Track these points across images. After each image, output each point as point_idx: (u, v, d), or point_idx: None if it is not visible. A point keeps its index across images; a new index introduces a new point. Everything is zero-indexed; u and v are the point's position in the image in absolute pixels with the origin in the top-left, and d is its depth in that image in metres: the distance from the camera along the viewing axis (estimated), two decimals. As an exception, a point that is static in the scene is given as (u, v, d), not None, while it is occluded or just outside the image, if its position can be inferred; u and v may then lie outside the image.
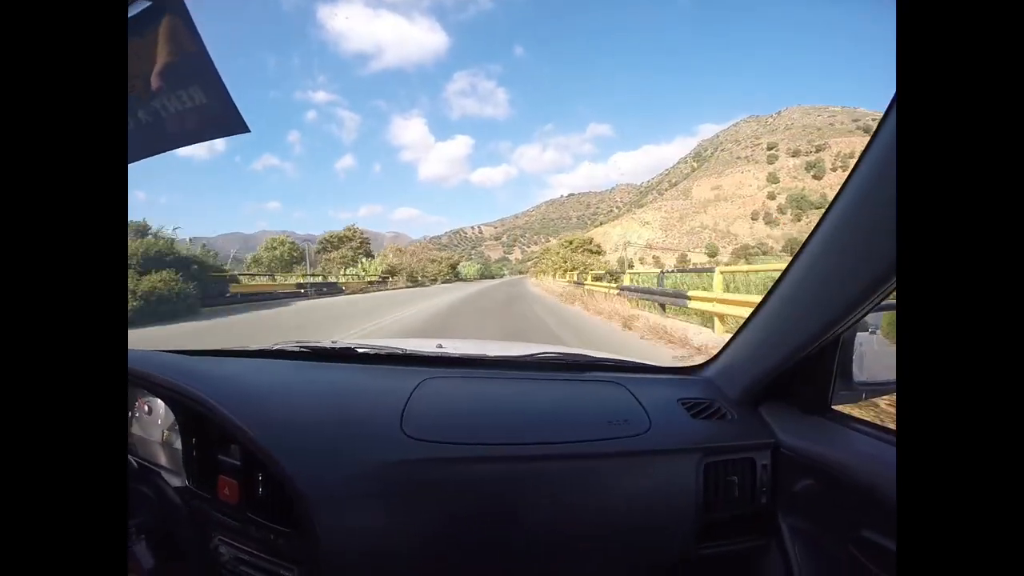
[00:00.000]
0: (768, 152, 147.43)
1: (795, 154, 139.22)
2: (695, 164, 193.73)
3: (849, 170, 0.62)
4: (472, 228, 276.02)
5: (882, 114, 0.56)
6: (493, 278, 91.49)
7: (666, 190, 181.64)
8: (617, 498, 0.79)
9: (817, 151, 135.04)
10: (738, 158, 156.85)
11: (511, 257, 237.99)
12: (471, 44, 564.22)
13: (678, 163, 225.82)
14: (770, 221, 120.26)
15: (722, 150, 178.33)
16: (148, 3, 0.71)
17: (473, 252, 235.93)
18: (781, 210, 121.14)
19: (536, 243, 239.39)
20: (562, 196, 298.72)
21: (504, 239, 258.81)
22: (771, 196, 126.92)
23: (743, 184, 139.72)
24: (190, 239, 20.78)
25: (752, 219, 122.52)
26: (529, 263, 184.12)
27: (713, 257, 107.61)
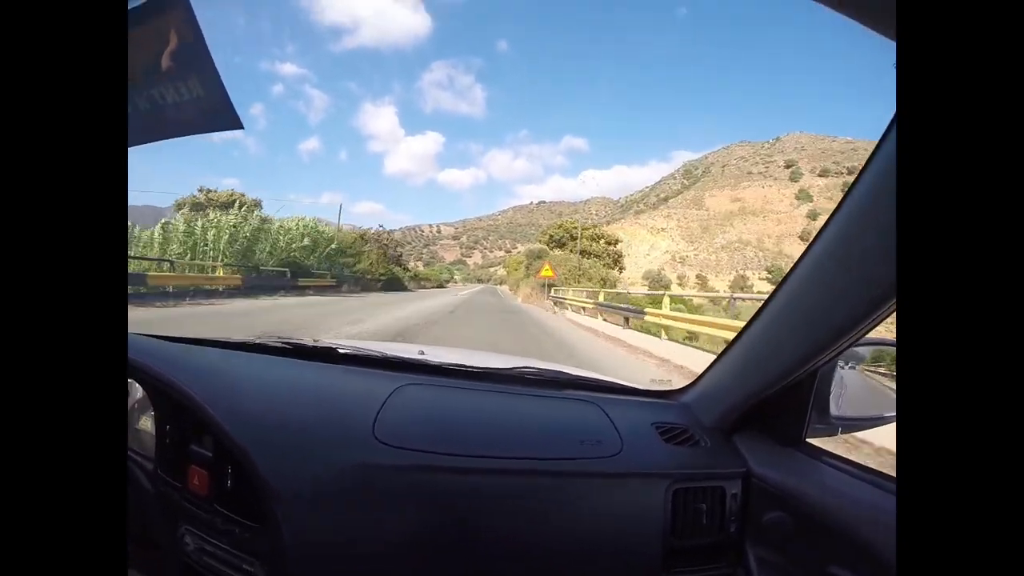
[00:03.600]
0: (788, 170, 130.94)
1: (823, 174, 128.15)
2: (685, 181, 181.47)
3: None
4: (430, 227, 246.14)
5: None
6: (442, 286, 65.08)
7: (655, 205, 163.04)
8: (584, 518, 0.80)
9: (849, 173, 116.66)
10: (749, 173, 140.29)
11: (469, 261, 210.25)
12: (454, 31, 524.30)
13: (664, 179, 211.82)
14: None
15: (715, 169, 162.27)
16: None
17: (425, 251, 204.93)
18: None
19: (500, 248, 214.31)
20: (532, 203, 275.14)
21: (464, 239, 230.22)
22: (812, 215, 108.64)
23: (769, 199, 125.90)
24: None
25: (802, 239, 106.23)
26: (493, 269, 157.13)
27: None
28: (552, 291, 22.84)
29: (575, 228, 49.69)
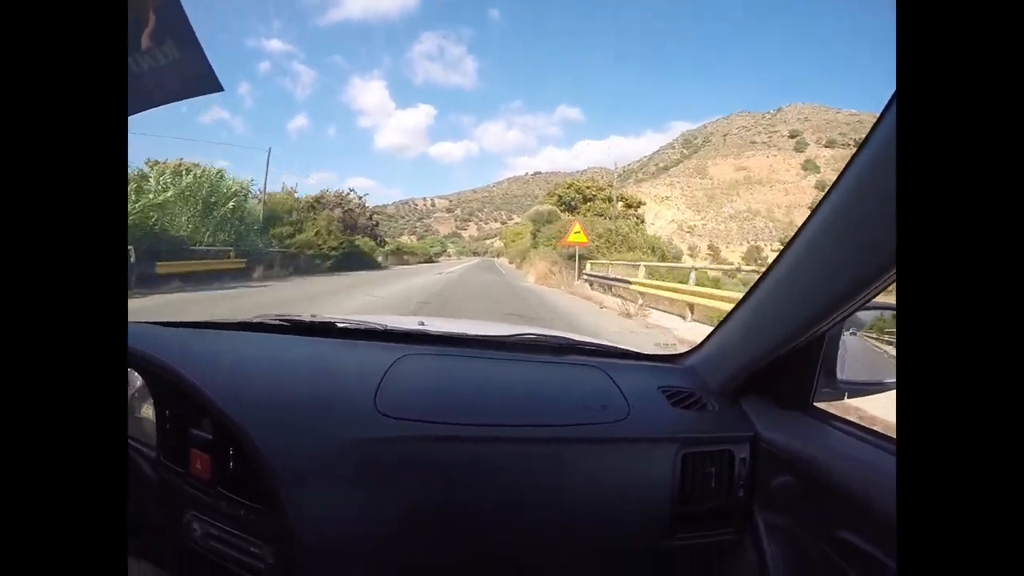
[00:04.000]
0: (793, 140, 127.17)
1: (829, 144, 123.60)
2: (685, 151, 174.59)
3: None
4: (424, 200, 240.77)
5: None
6: (431, 261, 55.27)
7: (655, 174, 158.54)
8: (592, 484, 0.80)
9: (855, 145, 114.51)
10: (752, 142, 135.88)
11: (464, 234, 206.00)
12: (443, 1, 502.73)
13: (662, 148, 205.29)
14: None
15: (716, 138, 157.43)
16: None
17: (419, 225, 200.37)
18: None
19: (496, 219, 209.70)
20: (527, 174, 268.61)
21: (458, 212, 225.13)
22: (820, 187, 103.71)
23: (775, 169, 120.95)
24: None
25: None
26: (490, 241, 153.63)
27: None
28: (588, 265, 15.98)
29: (589, 188, 40.36)
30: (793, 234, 0.74)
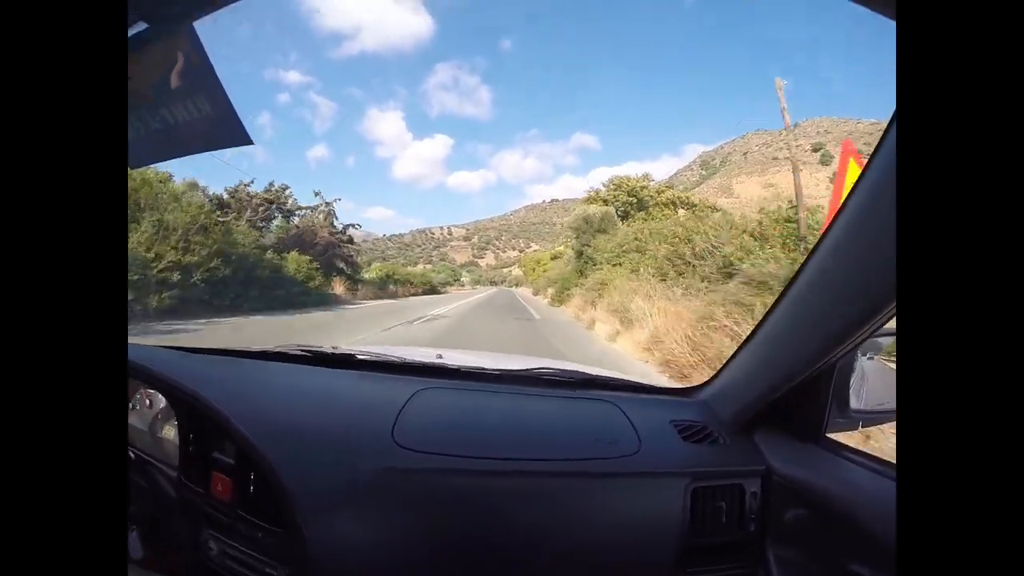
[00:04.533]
0: (817, 153, 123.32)
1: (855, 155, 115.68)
2: (703, 172, 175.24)
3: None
4: (440, 229, 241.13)
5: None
6: (434, 291, 43.69)
7: (678, 197, 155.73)
8: (602, 518, 0.81)
9: None
10: (774, 159, 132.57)
11: (482, 262, 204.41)
12: (456, 31, 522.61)
13: (679, 171, 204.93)
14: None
15: (735, 157, 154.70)
16: (155, 20, 0.74)
17: (435, 253, 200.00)
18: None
19: (514, 248, 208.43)
20: (544, 201, 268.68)
21: (475, 240, 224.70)
22: None
23: (804, 183, 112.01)
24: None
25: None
26: (508, 270, 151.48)
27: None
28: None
29: (644, 188, 26.50)
30: (801, 263, 0.73)
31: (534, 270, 63.17)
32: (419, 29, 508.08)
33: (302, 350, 1.17)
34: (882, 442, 2.30)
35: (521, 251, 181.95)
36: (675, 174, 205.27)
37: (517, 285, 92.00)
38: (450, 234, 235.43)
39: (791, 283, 0.75)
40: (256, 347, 1.22)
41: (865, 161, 0.57)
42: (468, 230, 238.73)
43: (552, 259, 52.65)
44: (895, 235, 0.46)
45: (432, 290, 42.72)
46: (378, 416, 0.85)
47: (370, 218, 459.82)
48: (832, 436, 0.86)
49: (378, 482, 0.76)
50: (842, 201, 0.62)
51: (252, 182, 22.77)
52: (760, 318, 0.86)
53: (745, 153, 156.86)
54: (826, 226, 0.66)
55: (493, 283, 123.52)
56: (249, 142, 0.83)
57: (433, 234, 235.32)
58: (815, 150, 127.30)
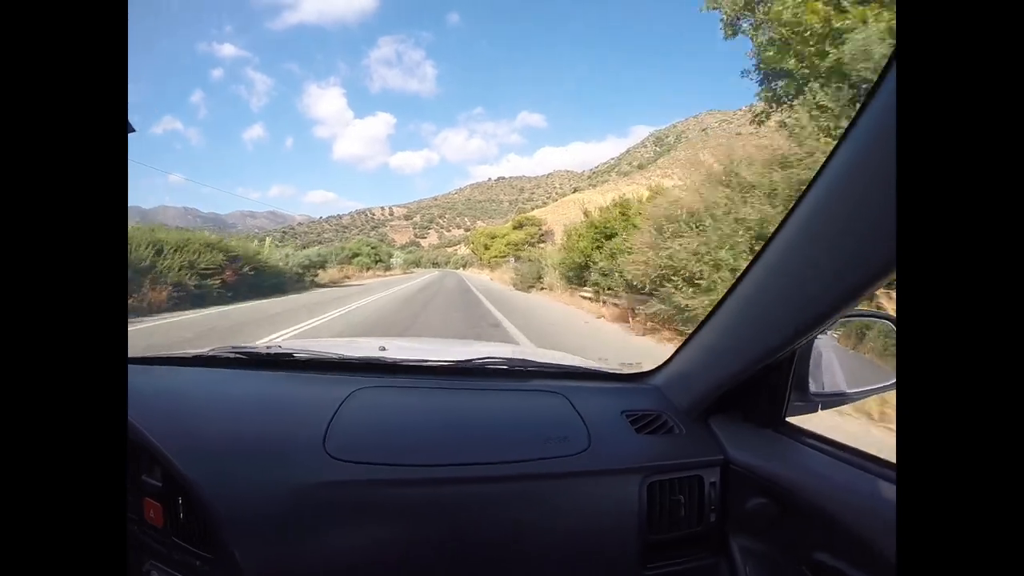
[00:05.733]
0: (785, 129, 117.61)
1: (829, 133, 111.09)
2: (658, 149, 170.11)
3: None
4: (381, 209, 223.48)
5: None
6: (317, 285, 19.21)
7: (627, 173, 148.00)
8: (554, 520, 0.78)
9: None
10: (738, 133, 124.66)
11: (424, 242, 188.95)
12: (402, 3, 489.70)
13: (631, 149, 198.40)
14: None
15: (692, 133, 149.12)
16: None
17: (373, 233, 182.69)
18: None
19: (459, 226, 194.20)
20: (490, 179, 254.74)
21: (417, 219, 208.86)
22: None
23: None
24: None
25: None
26: (452, 250, 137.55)
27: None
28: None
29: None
30: (762, 245, 0.69)
31: (487, 247, 51.11)
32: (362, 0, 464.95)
33: (236, 352, 1.09)
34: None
35: (467, 229, 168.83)
36: (626, 152, 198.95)
37: (464, 266, 78.77)
38: (391, 214, 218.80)
39: (751, 266, 0.72)
40: (190, 351, 1.13)
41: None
42: (409, 209, 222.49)
43: (517, 228, 40.90)
44: (867, 217, 0.45)
45: (280, 285, 16.37)
46: (308, 424, 0.79)
47: (311, 202, 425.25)
48: (792, 420, 0.84)
49: (310, 497, 0.71)
50: (807, 185, 0.59)
51: None
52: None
53: (704, 129, 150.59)
54: (790, 210, 0.63)
55: (435, 264, 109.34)
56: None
57: (373, 215, 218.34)
58: (783, 125, 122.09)
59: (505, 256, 41.02)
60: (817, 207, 0.58)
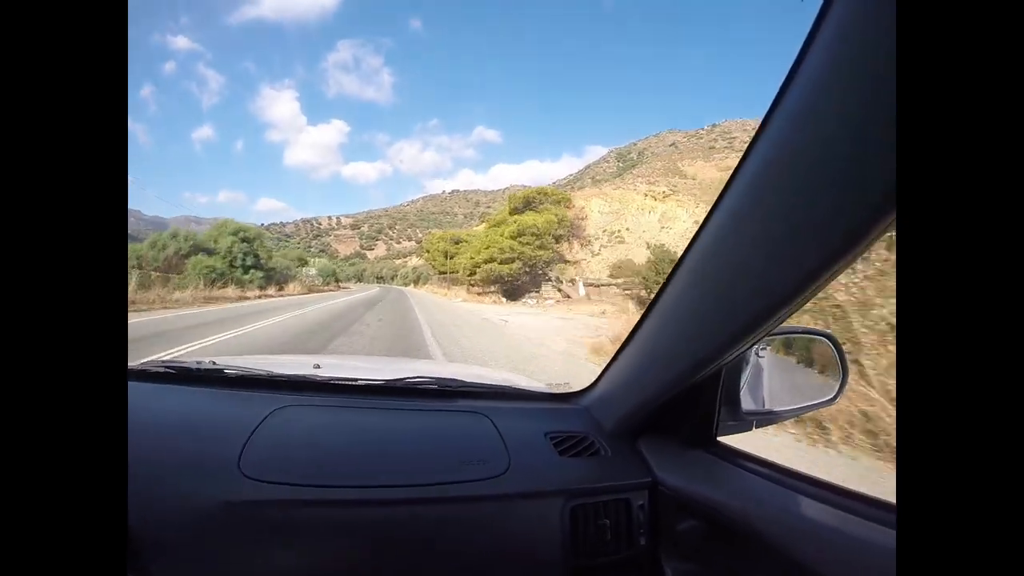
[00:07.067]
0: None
1: None
2: (621, 164, 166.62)
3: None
4: (328, 219, 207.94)
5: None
6: None
7: (588, 186, 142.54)
8: (473, 545, 0.76)
9: None
10: (711, 148, 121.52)
11: (371, 254, 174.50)
12: (365, 5, 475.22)
13: (591, 165, 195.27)
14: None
15: (657, 148, 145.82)
16: None
17: (314, 242, 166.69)
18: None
19: (410, 238, 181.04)
20: (444, 192, 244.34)
21: (365, 230, 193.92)
22: None
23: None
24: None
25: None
26: (401, 261, 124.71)
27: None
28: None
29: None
30: (682, 252, 0.64)
31: (447, 255, 39.29)
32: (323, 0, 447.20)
33: (166, 367, 1.06)
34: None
35: (418, 242, 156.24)
36: (586, 168, 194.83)
37: (416, 282, 65.54)
38: (338, 223, 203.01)
39: (670, 278, 0.69)
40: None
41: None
42: (357, 219, 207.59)
43: (494, 226, 29.36)
44: (790, 220, 0.44)
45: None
46: (225, 441, 0.78)
47: (259, 210, 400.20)
48: (723, 440, 0.82)
49: (222, 517, 0.69)
50: (719, 194, 0.55)
51: None
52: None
53: (672, 143, 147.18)
54: (714, 203, 0.57)
55: (379, 279, 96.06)
56: None
57: (320, 224, 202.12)
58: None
59: (510, 260, 28.46)
60: (736, 210, 0.54)
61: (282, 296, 24.11)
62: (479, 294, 31.18)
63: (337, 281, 49.71)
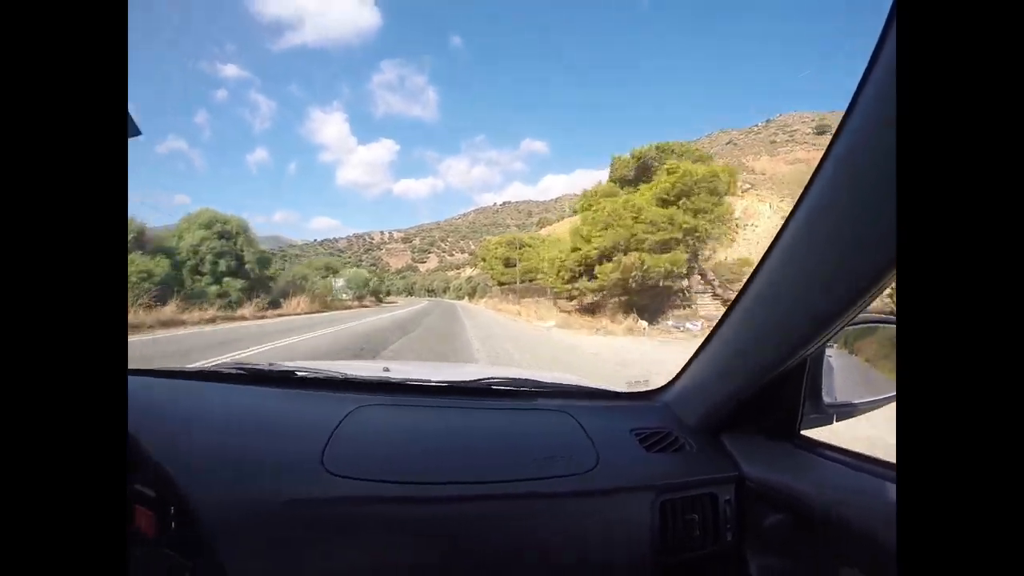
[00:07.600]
0: (821, 136, 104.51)
1: None
2: None
3: None
4: (380, 233, 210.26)
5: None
6: None
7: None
8: (565, 541, 0.75)
9: None
10: (772, 142, 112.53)
11: (422, 267, 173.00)
12: (404, 26, 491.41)
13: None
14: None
15: (717, 147, 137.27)
16: None
17: (366, 256, 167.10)
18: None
19: (463, 250, 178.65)
20: (495, 204, 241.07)
21: (416, 243, 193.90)
22: None
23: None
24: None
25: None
26: (454, 273, 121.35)
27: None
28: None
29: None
30: (765, 250, 0.65)
31: (507, 263, 32.68)
32: (365, 23, 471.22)
33: (238, 369, 1.09)
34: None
35: (471, 253, 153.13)
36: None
37: (471, 295, 59.55)
38: (389, 238, 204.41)
39: (754, 275, 0.69)
40: (192, 366, 1.09)
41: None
42: (408, 233, 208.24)
43: (586, 209, 17.83)
44: (869, 214, 0.45)
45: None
46: (308, 438, 0.78)
47: (313, 228, 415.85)
48: (807, 433, 0.81)
49: (306, 513, 0.69)
50: (801, 192, 0.57)
51: None
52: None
53: (729, 142, 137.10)
54: (791, 211, 0.59)
55: (430, 292, 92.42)
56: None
57: (372, 238, 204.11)
58: (819, 132, 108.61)
59: (664, 247, 13.75)
60: (818, 206, 0.56)
61: (281, 316, 17.15)
62: (578, 312, 18.34)
63: (376, 295, 38.35)
